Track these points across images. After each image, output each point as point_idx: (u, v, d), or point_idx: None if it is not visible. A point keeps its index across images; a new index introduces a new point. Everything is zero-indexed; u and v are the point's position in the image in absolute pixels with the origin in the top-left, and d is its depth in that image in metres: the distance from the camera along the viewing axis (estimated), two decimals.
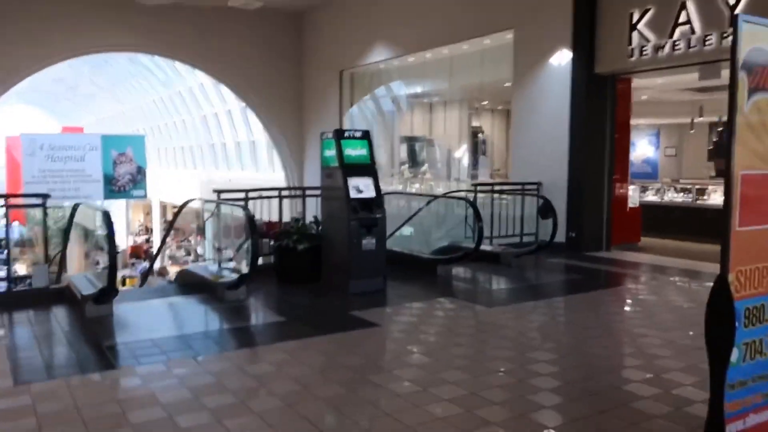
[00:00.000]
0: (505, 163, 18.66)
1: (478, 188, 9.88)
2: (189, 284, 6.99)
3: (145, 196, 25.19)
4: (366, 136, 6.92)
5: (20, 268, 28.06)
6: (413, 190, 14.31)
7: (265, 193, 7.93)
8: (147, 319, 5.50)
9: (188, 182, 27.37)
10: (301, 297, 6.55)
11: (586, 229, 9.70)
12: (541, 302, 6.32)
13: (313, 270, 7.08)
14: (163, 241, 9.11)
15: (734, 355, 2.68)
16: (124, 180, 24.00)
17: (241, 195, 7.46)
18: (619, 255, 9.54)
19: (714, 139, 15.36)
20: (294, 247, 7.04)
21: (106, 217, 5.08)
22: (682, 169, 18.66)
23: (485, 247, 8.51)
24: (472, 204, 7.35)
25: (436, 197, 9.46)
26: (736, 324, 2.66)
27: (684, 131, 18.54)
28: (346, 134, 6.79)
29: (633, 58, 8.94)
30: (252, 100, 17.35)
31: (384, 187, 15.43)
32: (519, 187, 10.11)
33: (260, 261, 7.94)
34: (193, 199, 8.49)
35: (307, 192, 8.44)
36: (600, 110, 9.72)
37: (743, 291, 2.70)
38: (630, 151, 10.30)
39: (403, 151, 17.32)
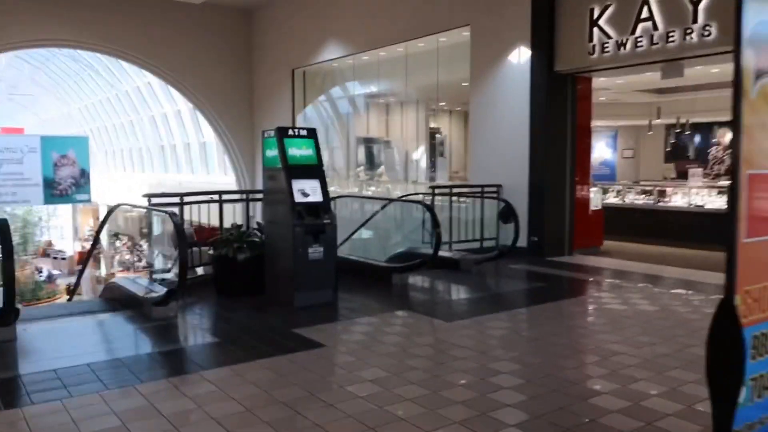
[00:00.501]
0: (463, 165, 18.30)
1: (436, 191, 9.38)
2: (117, 299, 6.27)
3: (89, 201, 23.98)
4: (312, 134, 6.33)
5: None
6: (369, 193, 13.77)
7: (204, 197, 7.25)
8: (55, 344, 4.78)
9: (137, 186, 26.19)
10: (241, 313, 5.91)
11: (548, 233, 9.31)
12: (503, 314, 5.83)
13: (255, 282, 6.45)
14: (90, 252, 8.21)
15: (741, 393, 2.20)
16: (66, 184, 22.74)
17: (176, 199, 6.78)
18: (582, 260, 9.18)
19: (672, 141, 15.28)
20: (233, 257, 6.39)
21: (2, 227, 4.35)
22: (640, 171, 18.64)
23: (444, 253, 8.02)
24: (429, 208, 6.84)
25: (391, 201, 8.92)
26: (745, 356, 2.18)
27: (641, 133, 18.51)
28: (290, 132, 6.19)
29: (594, 56, 8.59)
30: (200, 100, 16.52)
31: (339, 190, 14.93)
32: (478, 189, 9.67)
33: (200, 271, 7.28)
34: (121, 204, 7.73)
35: (252, 195, 7.80)
36: (561, 110, 9.35)
37: (751, 315, 2.22)
38: (591, 153, 9.97)
39: (359, 153, 16.76)
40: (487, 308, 6.14)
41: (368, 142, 16.77)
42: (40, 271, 26.44)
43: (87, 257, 7.35)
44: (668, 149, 16.00)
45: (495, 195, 9.66)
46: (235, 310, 6.03)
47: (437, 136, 14.42)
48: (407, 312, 5.83)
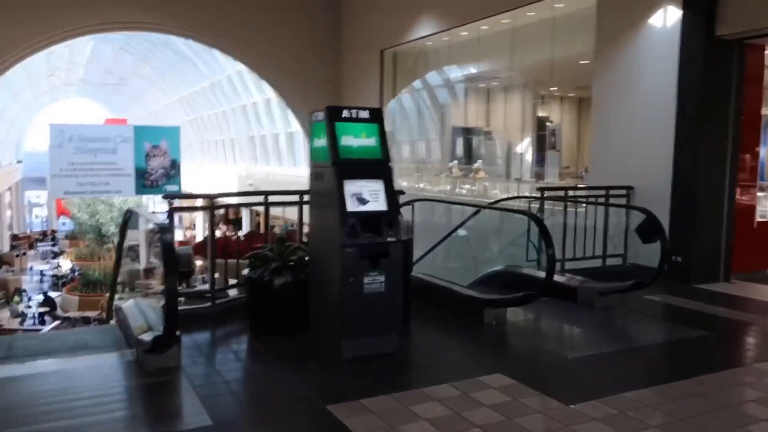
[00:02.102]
0: (575, 160, 15.87)
1: (546, 193, 7.34)
2: (123, 330, 4.84)
3: (179, 191, 23.65)
4: (376, 117, 4.54)
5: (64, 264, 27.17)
6: (464, 192, 11.83)
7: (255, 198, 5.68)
8: None
9: (226, 177, 25.69)
10: (268, 365, 4.26)
11: (697, 252, 7.02)
12: (654, 391, 3.78)
13: (299, 315, 4.78)
14: (116, 266, 6.73)
15: None
16: (157, 174, 22.43)
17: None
18: (746, 289, 6.82)
19: None
20: (270, 280, 4.75)
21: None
22: None
23: (557, 276, 6.02)
24: (538, 221, 4.86)
25: (479, 209, 6.97)
26: None
27: None
28: (345, 114, 4.43)
29: None
30: (283, 86, 15.24)
31: (429, 188, 13.09)
32: (602, 192, 7.51)
33: (233, 294, 5.75)
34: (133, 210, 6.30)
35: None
36: (722, 90, 6.99)
37: None
38: (760, 147, 7.53)
39: (457, 145, 14.85)
40: (629, 377, 4.10)
41: (466, 133, 14.81)
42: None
43: (115, 270, 5.96)
44: None
45: (625, 200, 7.48)
46: (262, 359, 4.40)
47: (547, 125, 12.19)
48: (505, 378, 3.92)
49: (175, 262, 3.57)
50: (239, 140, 26.09)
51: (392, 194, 4.45)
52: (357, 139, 4.42)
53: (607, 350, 4.60)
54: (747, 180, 7.31)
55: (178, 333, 3.88)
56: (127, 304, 4.95)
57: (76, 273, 23.11)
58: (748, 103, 7.17)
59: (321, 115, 4.46)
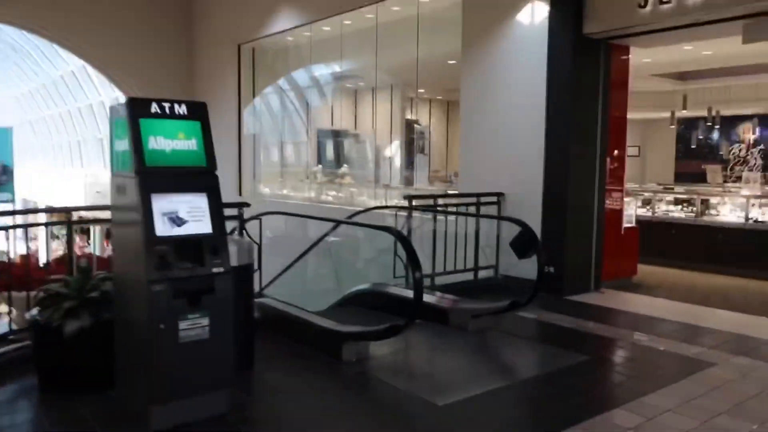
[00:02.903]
0: (445, 163, 15.65)
1: (414, 202, 6.68)
2: None
3: (12, 200, 20.84)
4: (198, 113, 3.55)
5: None
6: (330, 199, 11.02)
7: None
8: None
9: (71, 184, 23.08)
10: None
11: (570, 261, 6.68)
12: None
13: (105, 367, 3.67)
14: None
15: None
16: None
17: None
18: (617, 299, 6.58)
19: (699, 137, 12.78)
20: (58, 326, 3.61)
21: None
22: (646, 172, 16.20)
23: (426, 296, 5.36)
24: (404, 241, 4.10)
25: (338, 223, 6.17)
26: None
27: (648, 127, 16.06)
28: (154, 109, 3.40)
29: (646, 9, 5.94)
30: (130, 84, 13.58)
31: (294, 195, 12.13)
32: (472, 200, 6.99)
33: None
34: None
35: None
36: (590, 90, 6.71)
37: None
38: (626, 151, 7.37)
39: (327, 149, 14.02)
40: (508, 424, 3.45)
41: (334, 136, 14.04)
42: None
43: None
44: (693, 146, 13.53)
45: (496, 208, 7.02)
46: None
47: (416, 127, 11.69)
48: None
49: None
50: (86, 143, 23.55)
51: (219, 211, 3.49)
52: (172, 141, 3.42)
53: (484, 389, 3.93)
54: (614, 184, 7.11)
55: None
56: None
57: None
58: (615, 105, 6.97)
59: (121, 110, 3.41)
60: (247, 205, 5.14)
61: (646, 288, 7.29)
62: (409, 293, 5.23)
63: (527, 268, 5.66)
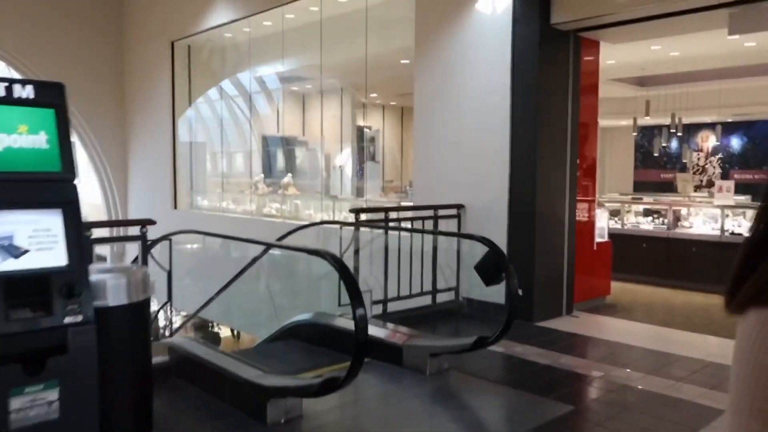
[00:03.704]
0: (400, 172, 14.81)
1: (362, 216, 5.75)
2: None
3: None
4: (52, 98, 2.56)
5: None
6: (273, 212, 10.00)
7: None
8: None
9: None
10: None
11: (540, 282, 5.87)
12: None
13: None
14: None
15: None
16: None
17: None
18: (590, 326, 5.81)
19: (663, 144, 12.28)
20: None
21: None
22: (605, 182, 15.75)
23: (377, 331, 4.47)
24: (342, 270, 3.17)
25: (268, 247, 5.19)
26: None
27: (607, 135, 15.62)
28: None
29: None
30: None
31: (234, 207, 11.06)
32: (429, 213, 6.13)
33: None
34: None
35: None
36: (559, 89, 5.95)
37: None
38: (597, 156, 6.64)
39: (271, 158, 13.00)
40: None
41: (283, 144, 13.05)
42: None
43: None
44: (655, 154, 13.06)
45: (456, 222, 6.18)
46: None
47: (366, 131, 10.80)
48: None
49: None
50: None
51: (79, 236, 2.50)
52: (8, 137, 2.42)
53: None
54: (585, 194, 6.37)
55: None
56: None
57: None
58: (585, 106, 6.23)
59: None
60: (152, 222, 4.13)
61: (621, 310, 6.55)
62: (346, 323, 4.36)
63: (492, 290, 4.81)
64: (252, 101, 12.13)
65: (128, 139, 12.61)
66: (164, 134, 11.55)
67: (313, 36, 9.23)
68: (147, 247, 4.06)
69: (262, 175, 10.75)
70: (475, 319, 6.09)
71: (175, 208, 11.46)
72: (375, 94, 13.75)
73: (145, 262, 4.07)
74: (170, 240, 4.44)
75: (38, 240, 2.39)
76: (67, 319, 2.36)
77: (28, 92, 2.48)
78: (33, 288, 2.32)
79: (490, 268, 4.06)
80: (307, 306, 5.80)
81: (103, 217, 12.97)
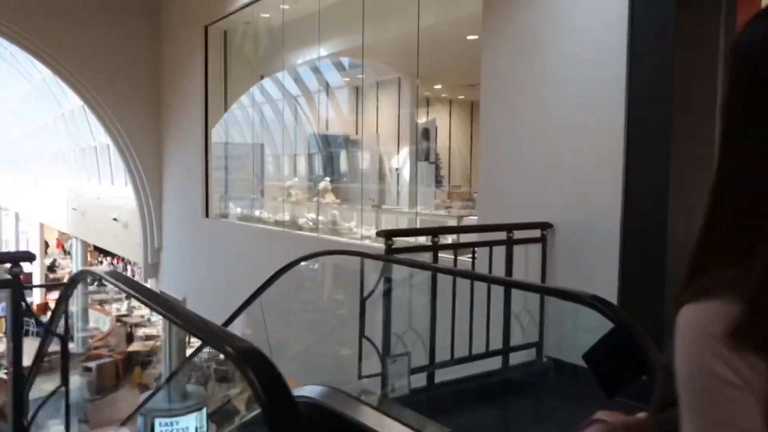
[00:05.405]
0: (469, 177, 12.84)
1: (395, 240, 3.87)
2: None
3: None
4: None
5: None
6: (309, 223, 8.28)
7: None
8: None
9: (52, 195, 20.91)
10: None
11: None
12: None
13: None
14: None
15: None
16: None
17: None
18: None
19: None
20: None
21: None
22: None
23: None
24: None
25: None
26: None
27: None
28: None
29: None
30: (81, 83, 11.06)
31: (267, 217, 9.29)
32: (500, 235, 4.25)
33: None
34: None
35: None
36: (706, 54, 3.92)
37: None
38: None
39: (315, 159, 11.41)
40: None
41: (329, 144, 11.42)
42: None
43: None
44: None
45: (540, 247, 4.27)
46: None
47: (418, 123, 8.90)
48: None
49: None
50: (70, 153, 21.31)
51: None
52: None
53: None
54: None
55: None
56: None
57: None
58: None
59: None
60: (29, 258, 2.45)
61: None
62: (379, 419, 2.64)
63: (586, 342, 2.89)
64: (296, 96, 10.55)
65: (164, 134, 11.37)
66: (196, 134, 10.16)
67: (355, 13, 7.45)
68: (19, 296, 2.39)
69: (296, 179, 9.06)
70: (568, 392, 4.15)
71: (207, 215, 10.02)
72: (439, 86, 11.87)
73: (16, 322, 2.39)
74: (81, 281, 2.78)
75: None
76: None
77: None
78: None
79: (618, 361, 2.12)
80: (322, 368, 4.03)
81: (138, 223, 11.85)
